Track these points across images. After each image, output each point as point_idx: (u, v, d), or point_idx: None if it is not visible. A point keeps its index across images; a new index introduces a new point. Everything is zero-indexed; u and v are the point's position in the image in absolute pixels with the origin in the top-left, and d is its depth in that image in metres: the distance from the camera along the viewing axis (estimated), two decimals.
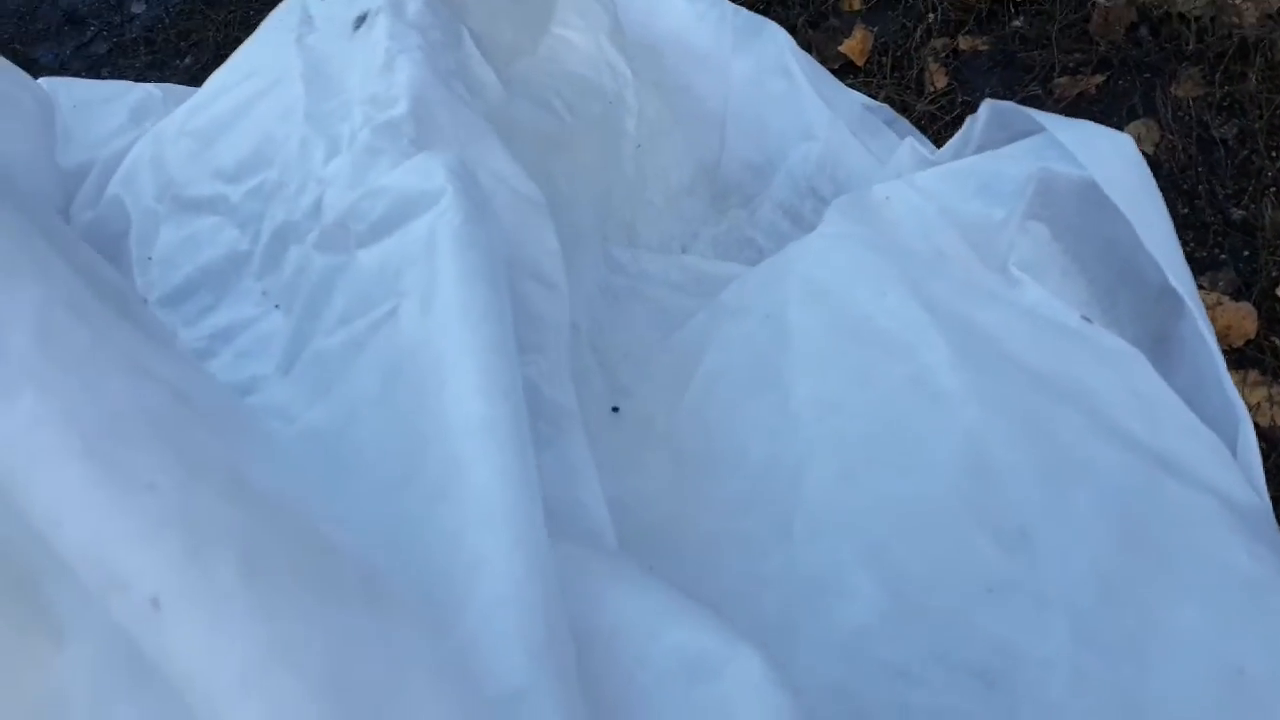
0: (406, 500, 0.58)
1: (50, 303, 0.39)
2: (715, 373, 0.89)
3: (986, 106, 1.01)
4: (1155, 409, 0.81)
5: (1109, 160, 0.88)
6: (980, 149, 1.03)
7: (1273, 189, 1.36)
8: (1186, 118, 1.45)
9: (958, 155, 1.07)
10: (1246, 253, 1.33)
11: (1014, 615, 0.65)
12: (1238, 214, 1.35)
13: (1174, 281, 0.84)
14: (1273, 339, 1.24)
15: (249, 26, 2.06)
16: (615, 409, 0.92)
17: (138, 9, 2.22)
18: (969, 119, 1.03)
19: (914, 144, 1.14)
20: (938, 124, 1.54)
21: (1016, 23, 1.62)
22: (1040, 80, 1.55)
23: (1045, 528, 0.69)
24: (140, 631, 0.35)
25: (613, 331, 1.03)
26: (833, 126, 1.30)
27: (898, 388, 0.78)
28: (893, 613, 0.65)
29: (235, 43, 2.04)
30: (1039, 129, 0.96)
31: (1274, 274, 1.29)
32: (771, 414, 0.80)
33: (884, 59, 1.63)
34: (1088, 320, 0.86)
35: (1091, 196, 0.89)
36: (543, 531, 0.54)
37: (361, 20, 1.05)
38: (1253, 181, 1.37)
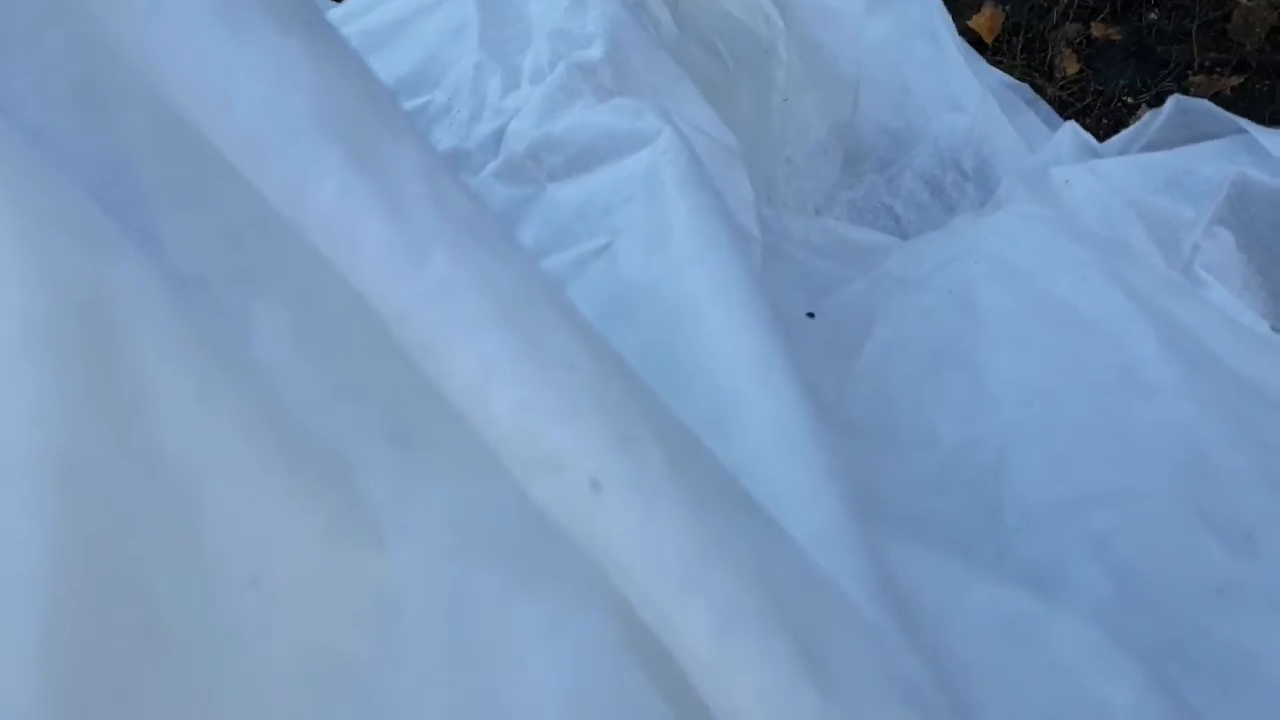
0: None
1: (432, 160, 0.37)
2: (890, 345, 0.87)
3: (1173, 101, 0.98)
4: None
5: None
6: (1153, 145, 1.01)
7: None
8: None
9: (1127, 147, 1.05)
10: None
11: (1246, 617, 0.63)
12: None
13: None
14: None
15: None
16: None
17: None
18: (1150, 113, 1.01)
19: (1076, 128, 1.11)
20: (1069, 110, 1.50)
21: (1152, 15, 1.59)
22: (1175, 77, 1.52)
23: (1271, 532, 0.68)
24: (572, 514, 0.33)
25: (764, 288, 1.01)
26: (983, 100, 1.27)
27: (1106, 377, 0.75)
28: (1121, 606, 0.64)
29: None
30: (1231, 131, 0.93)
31: None
32: (964, 395, 0.78)
33: (1014, 39, 1.59)
34: (1277, 331, 0.84)
35: None
36: (844, 468, 0.53)
37: None
38: None
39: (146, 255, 0.36)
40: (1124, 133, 1.04)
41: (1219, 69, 1.51)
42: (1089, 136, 1.09)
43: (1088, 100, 1.52)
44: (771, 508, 0.51)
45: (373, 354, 0.37)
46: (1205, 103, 0.95)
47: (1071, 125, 1.11)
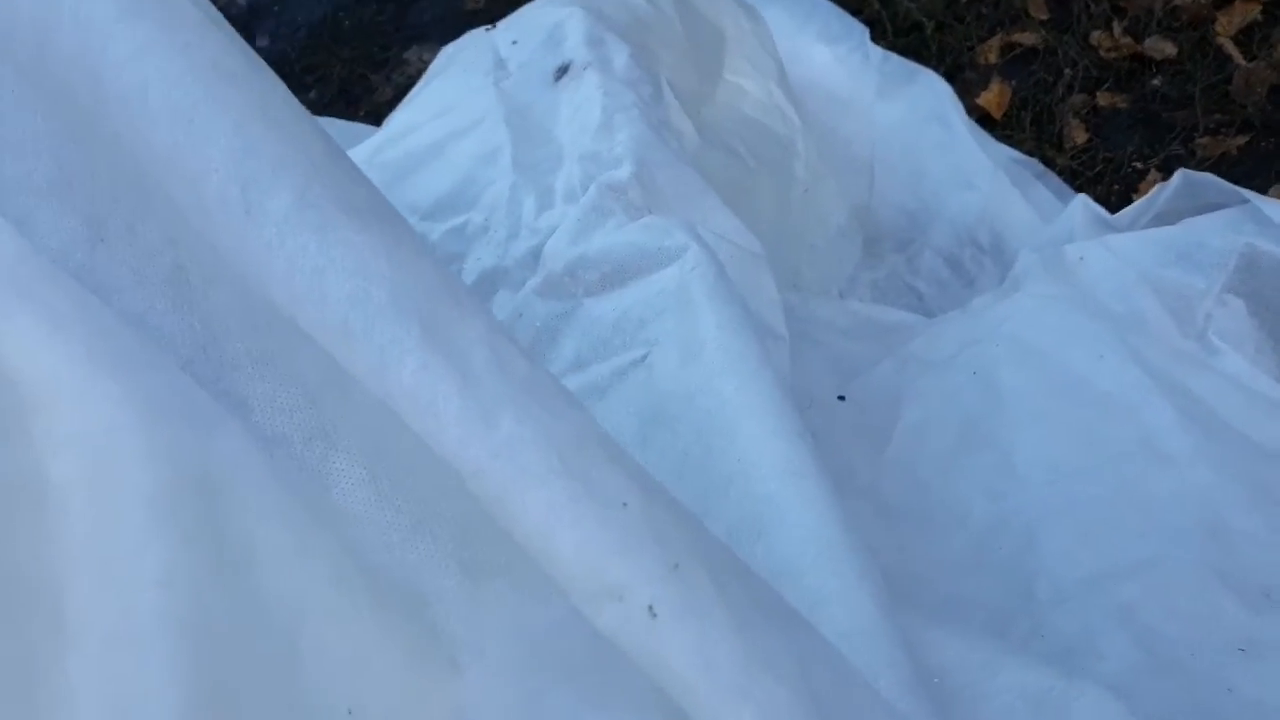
0: None
1: (492, 329, 0.42)
2: (919, 426, 0.91)
3: (1180, 175, 1.03)
4: None
5: None
6: (1162, 216, 1.06)
7: None
8: None
9: (1137, 219, 1.09)
10: None
11: (1269, 673, 0.67)
12: None
13: None
14: None
15: (372, 63, 2.11)
16: None
17: (263, 42, 2.26)
18: (1158, 186, 1.05)
19: (1087, 200, 1.16)
20: (1079, 180, 1.55)
21: (1155, 82, 1.64)
22: (1181, 140, 1.57)
23: None
24: (633, 638, 0.38)
25: (795, 376, 1.06)
26: (994, 178, 1.32)
27: (1125, 450, 0.79)
28: (1149, 671, 0.67)
29: (360, 79, 2.10)
30: (1235, 202, 0.98)
31: None
32: (992, 474, 0.82)
33: (1023, 113, 1.65)
34: None
35: None
36: (877, 570, 0.57)
37: (563, 70, 1.08)
38: None
39: (238, 421, 0.42)
40: (1133, 205, 1.08)
41: (1224, 130, 1.56)
42: (1100, 209, 1.14)
43: (1098, 168, 1.57)
44: (810, 608, 0.56)
45: (441, 495, 0.42)
46: (1211, 176, 1.00)
47: (1083, 199, 1.16)
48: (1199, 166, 1.52)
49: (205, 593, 0.38)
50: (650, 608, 0.38)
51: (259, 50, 2.26)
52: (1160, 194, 1.05)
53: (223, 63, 0.44)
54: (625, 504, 0.40)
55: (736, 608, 0.40)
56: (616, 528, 0.39)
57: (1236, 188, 0.97)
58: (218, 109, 0.42)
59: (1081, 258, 0.99)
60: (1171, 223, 1.01)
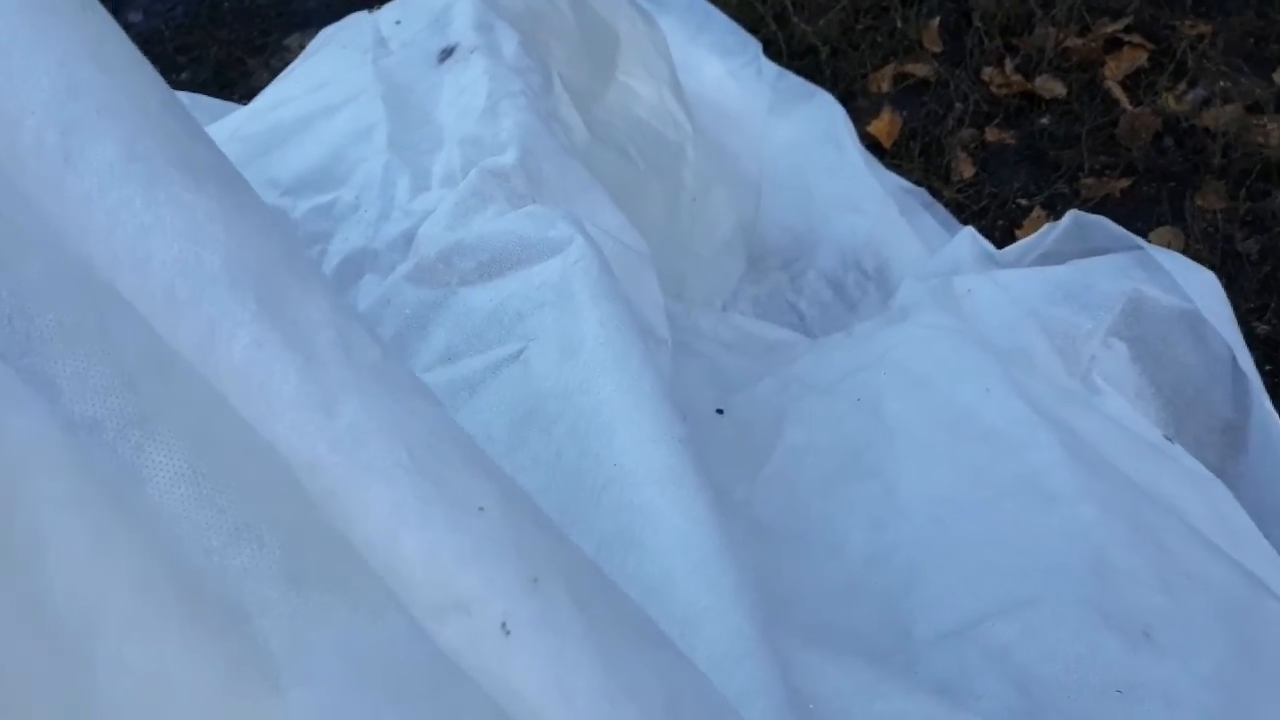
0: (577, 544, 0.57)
1: (340, 310, 0.37)
2: (800, 448, 0.88)
3: (1070, 216, 1.02)
4: (1237, 532, 0.83)
5: (1204, 293, 0.91)
6: (1049, 255, 1.05)
7: None
8: (1211, 229, 1.48)
9: (1023, 256, 1.08)
10: (1269, 366, 1.35)
11: (1144, 717, 0.64)
12: (1262, 329, 1.38)
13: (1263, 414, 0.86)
14: None
15: (251, 47, 2.03)
16: None
17: (134, 18, 2.15)
18: (1047, 225, 1.04)
19: (974, 234, 1.14)
20: (965, 213, 1.55)
21: (1044, 120, 1.65)
22: (1067, 179, 1.58)
23: (1167, 630, 0.69)
24: (481, 657, 0.33)
25: (674, 386, 1.02)
26: (883, 204, 1.30)
27: (1010, 486, 0.77)
28: (1024, 713, 0.64)
29: (237, 62, 2.01)
30: (1124, 247, 0.97)
31: None
32: (874, 505, 0.79)
33: (912, 143, 1.64)
34: (1169, 439, 0.87)
35: (1178, 326, 0.91)
36: (753, 585, 0.53)
37: (448, 53, 1.03)
38: (1275, 297, 1.40)
39: (43, 401, 0.36)
40: (1021, 242, 1.07)
41: (1109, 172, 1.57)
42: (987, 243, 1.12)
43: (983, 203, 1.57)
44: (682, 625, 0.51)
45: (272, 496, 0.37)
46: (1101, 219, 0.99)
47: (970, 231, 1.14)
48: (1083, 206, 1.52)
49: None
50: (503, 624, 0.33)
51: (130, 26, 2.16)
52: (1049, 233, 1.04)
53: None
54: (481, 508, 0.35)
55: (599, 629, 0.35)
56: (470, 534, 0.34)
57: (1126, 233, 0.96)
58: (39, 45, 0.37)
59: (969, 290, 0.97)
60: (1058, 262, 1.01)
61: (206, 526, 0.37)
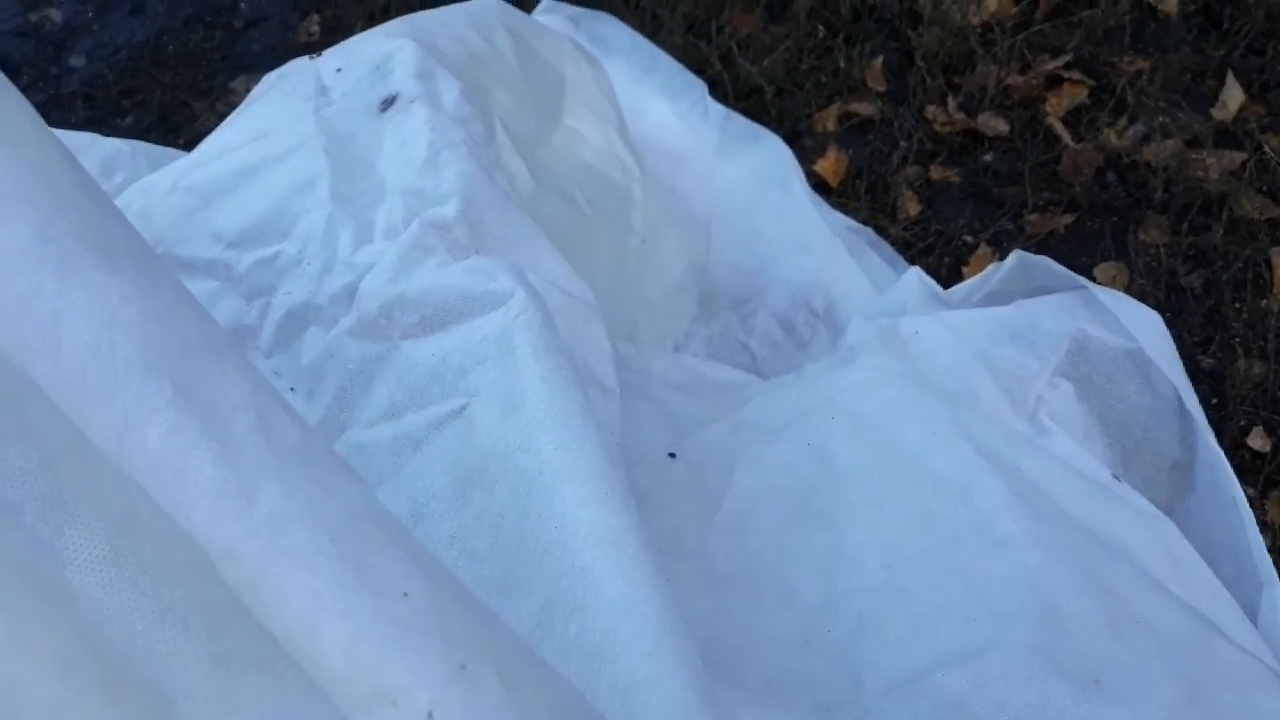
0: (519, 608, 0.56)
1: (259, 390, 0.37)
2: (751, 494, 0.87)
3: (1015, 257, 1.02)
4: (1186, 571, 0.83)
5: (1148, 332, 0.92)
6: (995, 295, 1.05)
7: (1238, 340, 1.41)
8: (1155, 264, 1.50)
9: (969, 296, 1.08)
10: (1215, 400, 1.36)
11: None
12: (1207, 362, 1.40)
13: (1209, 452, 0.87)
14: (1244, 488, 1.26)
15: (196, 90, 2.01)
16: None
17: (77, 62, 2.13)
18: (992, 266, 1.05)
19: (921, 274, 1.15)
20: (911, 250, 1.56)
21: (987, 158, 1.66)
22: (1011, 216, 1.59)
23: (1117, 677, 0.70)
24: None
25: (626, 430, 1.02)
26: (830, 244, 1.31)
27: (958, 532, 0.77)
28: None
29: (182, 106, 2.00)
30: (1068, 287, 0.98)
31: (1243, 423, 1.33)
32: (825, 553, 0.79)
33: (858, 182, 1.65)
34: (1117, 478, 0.87)
35: (1124, 365, 0.92)
36: (695, 649, 0.52)
37: (389, 102, 1.02)
38: (1219, 331, 1.42)
39: None
40: (966, 282, 1.08)
41: (1052, 208, 1.59)
42: (933, 283, 1.13)
43: (929, 240, 1.58)
44: (624, 694, 0.51)
45: (195, 577, 0.36)
46: (1045, 259, 1.00)
47: (916, 271, 1.15)
48: (1027, 243, 1.54)
49: None
50: (429, 714, 0.33)
51: (73, 70, 2.14)
52: (994, 273, 1.05)
53: None
54: (406, 593, 0.34)
55: (529, 713, 0.35)
56: (393, 621, 0.34)
57: (1070, 273, 0.97)
58: None
59: (916, 332, 0.97)
60: (1004, 302, 1.01)
61: (129, 610, 0.36)
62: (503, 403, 0.68)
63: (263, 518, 0.33)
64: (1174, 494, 0.93)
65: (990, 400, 0.90)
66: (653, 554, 0.58)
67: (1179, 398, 0.91)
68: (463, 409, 0.71)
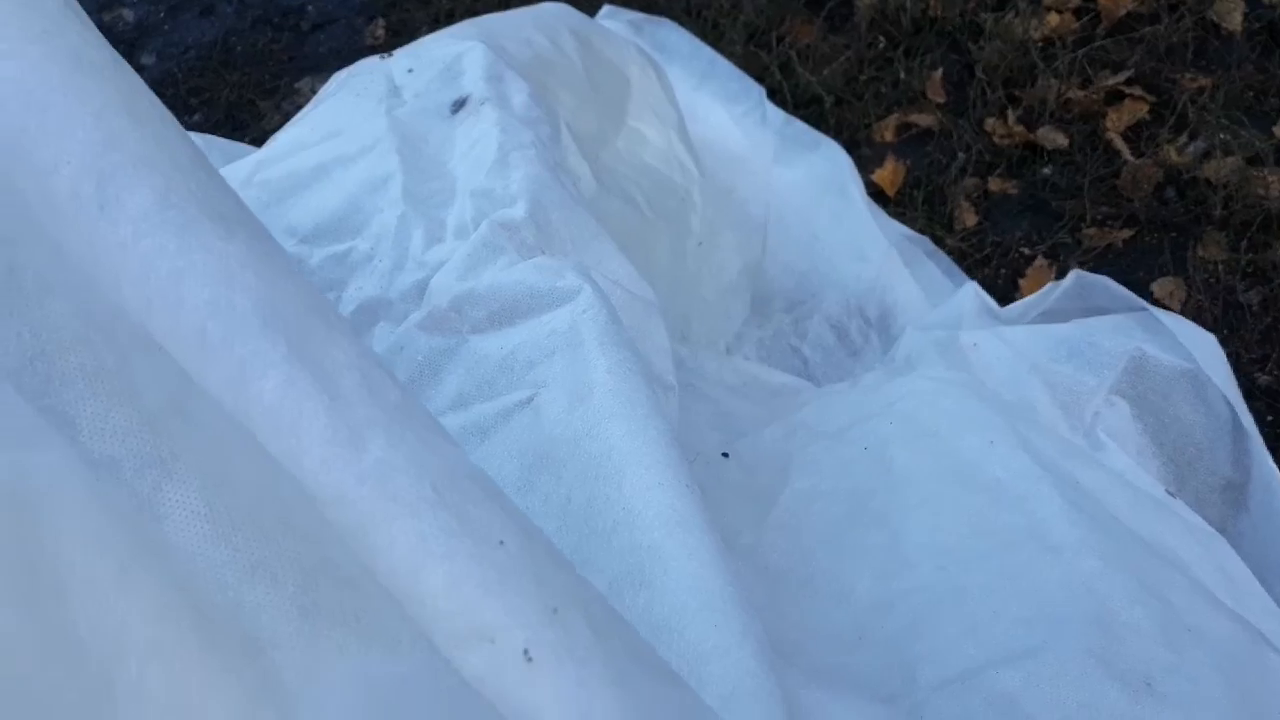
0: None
1: (363, 354, 0.39)
2: (807, 494, 0.89)
3: (1074, 276, 1.04)
4: (1239, 587, 0.84)
5: (1205, 353, 0.93)
6: (1051, 313, 1.06)
7: None
8: (1213, 280, 1.49)
9: (1025, 313, 1.09)
10: (1270, 417, 1.36)
11: None
12: (1264, 379, 1.39)
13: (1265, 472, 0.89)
14: None
15: (263, 90, 2.06)
16: None
17: (148, 60, 2.18)
18: (1050, 284, 1.06)
19: (978, 290, 1.16)
20: (967, 261, 1.56)
21: (1046, 171, 1.66)
22: (1069, 229, 1.59)
23: (1169, 682, 0.70)
24: (505, 683, 0.34)
25: (681, 429, 1.03)
26: (886, 253, 1.32)
27: (1014, 538, 0.78)
28: None
29: (248, 105, 2.04)
30: (1125, 308, 0.99)
31: None
32: (880, 553, 0.80)
33: (915, 193, 1.66)
34: (1172, 495, 0.88)
35: (1180, 385, 0.93)
36: (760, 624, 0.54)
37: (460, 104, 1.04)
38: (1277, 348, 1.41)
39: (63, 439, 0.37)
40: (1024, 300, 1.09)
41: (1110, 222, 1.59)
42: (989, 299, 1.14)
43: (986, 251, 1.58)
44: (692, 664, 0.52)
45: (288, 533, 0.38)
46: (1104, 279, 1.01)
47: (973, 286, 1.16)
48: (1085, 256, 1.54)
49: (7, 619, 0.33)
50: (525, 651, 0.34)
51: (143, 69, 2.19)
52: (1052, 291, 1.06)
53: (84, 54, 0.39)
54: (502, 542, 0.36)
55: (615, 659, 0.37)
56: (491, 565, 0.35)
57: (1128, 293, 0.98)
58: (76, 99, 0.38)
59: (975, 345, 0.99)
60: (1060, 320, 1.02)
61: (221, 564, 0.38)
62: (570, 393, 0.70)
63: (371, 465, 0.35)
64: (1227, 514, 0.94)
65: (1047, 414, 0.92)
66: (716, 536, 0.60)
67: (1234, 418, 0.92)
68: (530, 399, 0.73)
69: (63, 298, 0.38)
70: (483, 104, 1.02)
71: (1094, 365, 0.93)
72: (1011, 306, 1.10)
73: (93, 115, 0.38)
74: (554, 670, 0.35)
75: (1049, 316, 1.06)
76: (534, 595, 0.35)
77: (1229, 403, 0.92)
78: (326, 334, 0.38)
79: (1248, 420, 0.91)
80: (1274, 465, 0.91)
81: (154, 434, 0.38)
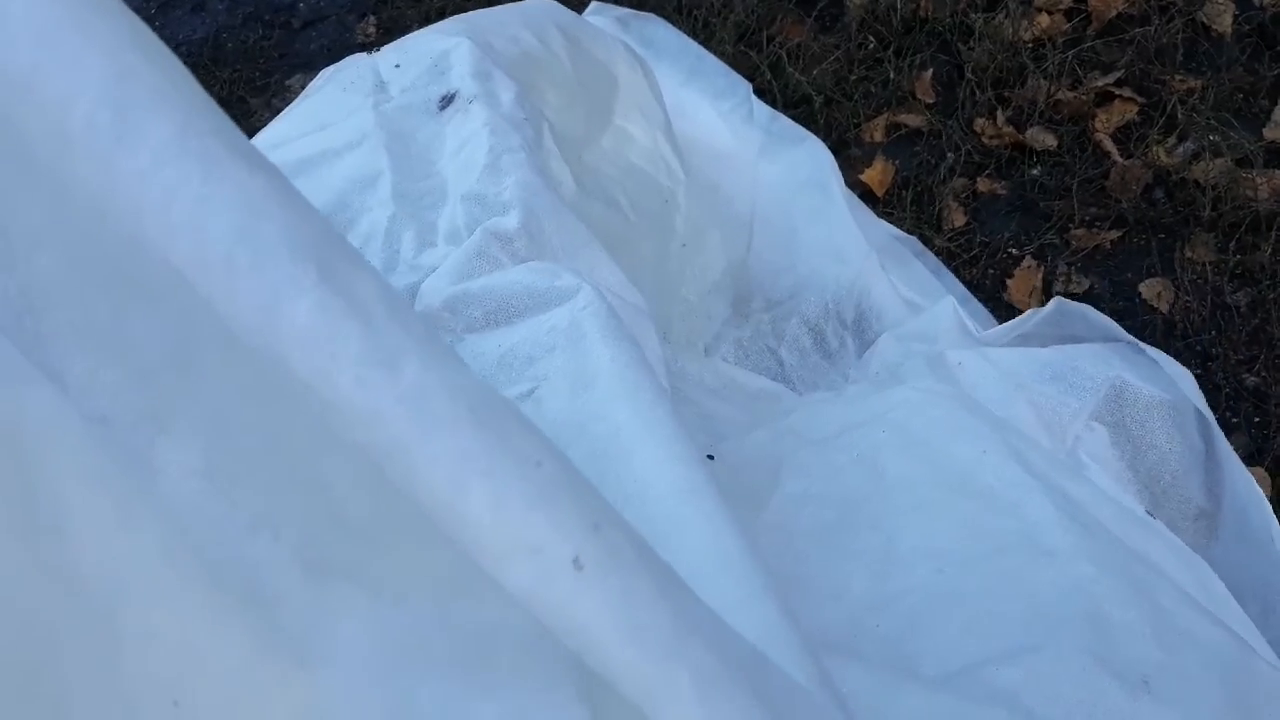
0: None
1: (387, 288, 0.39)
2: (799, 498, 0.88)
3: (1056, 303, 1.05)
4: (1221, 603, 0.85)
5: (1184, 386, 0.96)
6: (1028, 336, 1.07)
7: None
8: (1201, 281, 1.49)
9: (1002, 337, 1.10)
10: (1258, 419, 1.36)
11: None
12: (1251, 380, 1.39)
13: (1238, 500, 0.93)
14: None
15: (253, 87, 2.05)
16: None
17: None
18: (1030, 310, 1.07)
19: (955, 305, 1.16)
20: (956, 261, 1.56)
21: (1035, 171, 1.66)
22: (1058, 230, 1.59)
23: (1165, 681, 0.71)
24: (554, 593, 0.34)
25: None
26: (866, 257, 1.31)
27: (1008, 543, 0.78)
28: None
29: (239, 102, 2.02)
30: (1104, 336, 1.00)
31: None
32: (875, 555, 0.80)
33: (904, 192, 1.65)
34: (1152, 516, 0.89)
35: (1158, 414, 0.95)
36: (777, 583, 0.55)
37: (448, 100, 1.03)
38: (1265, 350, 1.42)
39: (56, 390, 0.37)
40: (1004, 326, 1.11)
41: (1099, 223, 1.59)
42: (966, 316, 1.14)
43: (974, 251, 1.58)
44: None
45: (291, 488, 0.38)
46: (1085, 307, 1.03)
47: (951, 302, 1.17)
48: (1073, 257, 1.54)
49: (8, 553, 0.33)
50: (575, 560, 0.34)
51: None
52: (1032, 316, 1.08)
53: None
54: (540, 463, 0.36)
55: (658, 573, 0.37)
56: (533, 482, 0.35)
57: (1107, 321, 1.00)
58: (89, 35, 0.37)
59: (960, 363, 1.00)
60: (1037, 344, 1.04)
61: (221, 519, 0.37)
62: (573, 383, 0.70)
63: (408, 386, 0.34)
64: (1199, 542, 0.96)
65: (1031, 432, 0.93)
66: (730, 506, 0.60)
67: (1206, 450, 0.95)
68: (531, 392, 0.73)
69: (53, 251, 0.38)
70: (471, 102, 1.01)
71: (1076, 389, 0.95)
72: (990, 332, 1.11)
73: (107, 51, 0.37)
74: (603, 579, 0.35)
75: (1025, 340, 1.07)
76: (576, 511, 0.35)
77: (1202, 435, 0.95)
78: (352, 267, 0.38)
79: (1223, 447, 0.94)
80: (1248, 493, 0.94)
81: (149, 389, 0.38)
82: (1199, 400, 0.96)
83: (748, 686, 0.36)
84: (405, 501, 0.35)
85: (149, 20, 2.19)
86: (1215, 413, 1.32)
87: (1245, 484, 0.95)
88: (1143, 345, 0.98)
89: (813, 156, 1.44)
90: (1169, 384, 0.95)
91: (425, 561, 0.38)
